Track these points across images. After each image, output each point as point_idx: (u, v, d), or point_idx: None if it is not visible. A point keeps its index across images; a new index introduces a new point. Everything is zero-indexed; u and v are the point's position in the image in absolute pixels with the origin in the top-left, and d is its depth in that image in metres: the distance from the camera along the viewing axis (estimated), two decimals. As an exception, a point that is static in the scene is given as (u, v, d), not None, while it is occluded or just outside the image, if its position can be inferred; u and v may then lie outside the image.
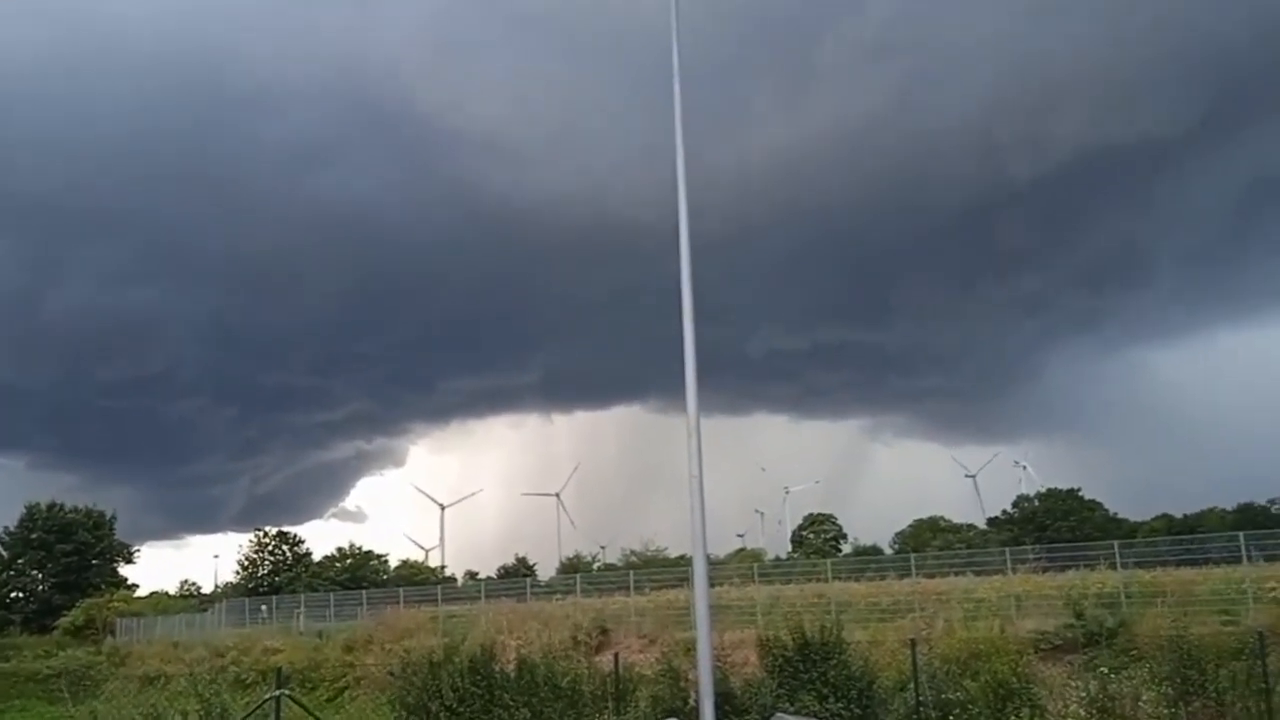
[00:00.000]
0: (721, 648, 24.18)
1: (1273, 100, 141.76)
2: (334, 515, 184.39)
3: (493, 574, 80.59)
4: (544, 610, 39.55)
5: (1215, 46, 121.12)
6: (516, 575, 70.38)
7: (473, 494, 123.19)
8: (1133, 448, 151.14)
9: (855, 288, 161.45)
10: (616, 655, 21.97)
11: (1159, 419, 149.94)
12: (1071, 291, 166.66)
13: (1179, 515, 74.19)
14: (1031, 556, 37.50)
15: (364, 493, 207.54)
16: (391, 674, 23.95)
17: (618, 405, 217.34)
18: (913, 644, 18.26)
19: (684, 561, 59.09)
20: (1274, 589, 22.97)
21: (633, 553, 64.24)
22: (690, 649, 19.94)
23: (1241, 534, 27.70)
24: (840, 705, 17.19)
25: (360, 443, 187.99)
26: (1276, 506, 73.22)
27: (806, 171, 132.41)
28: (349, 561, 78.41)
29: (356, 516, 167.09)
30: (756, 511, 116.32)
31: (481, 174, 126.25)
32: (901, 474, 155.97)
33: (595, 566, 71.54)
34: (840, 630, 18.33)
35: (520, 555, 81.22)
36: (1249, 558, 26.57)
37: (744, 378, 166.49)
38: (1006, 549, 34.98)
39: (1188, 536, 47.12)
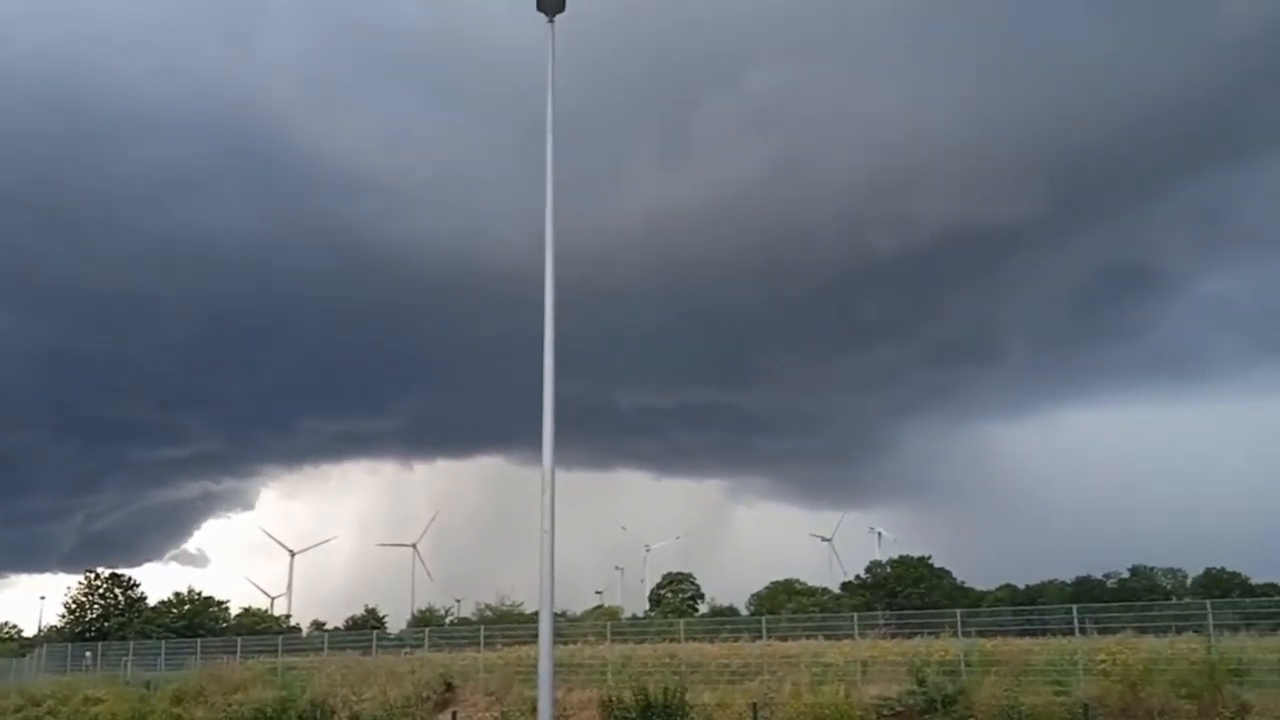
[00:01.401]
0: (566, 707, 23.67)
1: (1116, 196, 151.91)
2: (174, 558, 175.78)
3: (341, 625, 77.66)
4: (389, 664, 38.18)
5: (1068, 143, 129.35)
6: (365, 627, 67.87)
7: (325, 541, 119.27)
8: (980, 518, 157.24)
9: (723, 351, 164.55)
10: (454, 714, 21.22)
11: (1005, 492, 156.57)
12: (927, 365, 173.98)
13: (1021, 586, 77.28)
14: (881, 622, 38.19)
15: (208, 536, 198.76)
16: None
17: (481, 455, 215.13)
18: (754, 708, 18.16)
19: (537, 618, 58.12)
20: (1104, 661, 23.82)
21: (488, 607, 62.78)
22: (534, 708, 19.44)
23: (1075, 607, 28.72)
24: (680, 769, 16.96)
25: (207, 483, 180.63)
26: (1112, 580, 77.03)
27: (681, 235, 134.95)
28: (186, 608, 74.27)
29: (198, 560, 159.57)
30: (616, 568, 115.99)
31: (353, 216, 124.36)
32: (761, 535, 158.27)
33: (449, 620, 69.63)
34: (684, 692, 18.11)
35: (370, 606, 78.50)
36: (1082, 630, 27.63)
37: (610, 433, 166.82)
38: (855, 614, 35.53)
39: (1028, 607, 48.96)
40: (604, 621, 49.82)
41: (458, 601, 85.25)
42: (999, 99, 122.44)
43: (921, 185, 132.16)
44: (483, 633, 38.60)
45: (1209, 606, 25.74)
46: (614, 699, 18.71)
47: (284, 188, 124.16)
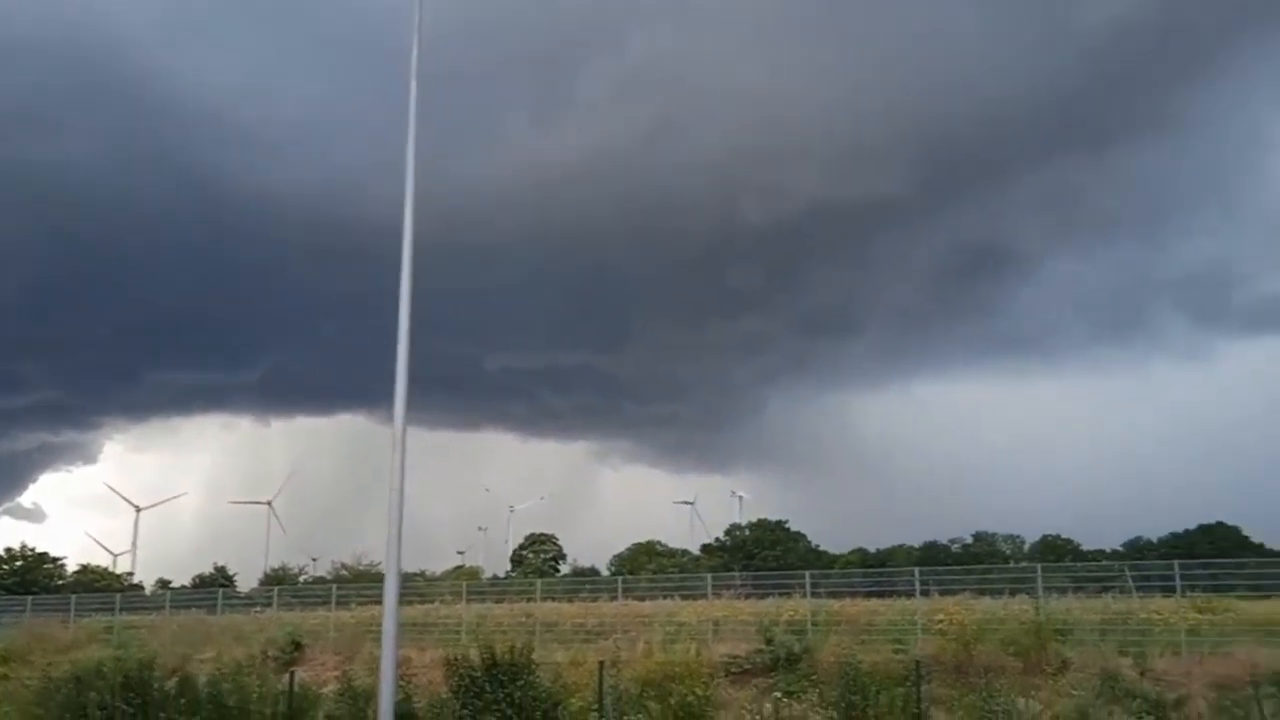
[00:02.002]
0: (411, 666, 23.34)
1: (976, 178, 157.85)
2: (6, 512, 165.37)
3: (188, 584, 75.01)
4: (235, 624, 37.05)
5: (934, 125, 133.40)
6: (213, 586, 65.68)
7: (174, 497, 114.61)
8: (837, 485, 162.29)
9: (596, 314, 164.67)
10: (292, 674, 20.66)
11: (862, 460, 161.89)
12: (793, 335, 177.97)
13: (872, 550, 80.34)
14: (738, 583, 38.97)
15: (45, 489, 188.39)
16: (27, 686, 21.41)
17: (343, 413, 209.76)
18: (600, 665, 18.24)
19: (396, 577, 57.36)
20: (941, 621, 24.78)
21: (344, 566, 61.58)
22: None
23: (917, 570, 29.86)
24: (524, 727, 16.93)
25: (45, 434, 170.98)
26: (956, 545, 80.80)
27: (557, 195, 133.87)
28: (18, 564, 70.55)
29: (34, 515, 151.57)
30: (479, 529, 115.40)
31: (215, 158, 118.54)
32: (625, 498, 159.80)
33: (303, 579, 68.09)
34: (531, 651, 18.04)
35: (220, 565, 76.01)
36: (925, 592, 28.77)
37: (477, 394, 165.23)
38: (708, 575, 36.17)
39: (877, 570, 50.76)
40: (463, 581, 49.47)
41: (313, 561, 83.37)
42: (870, 78, 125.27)
43: (794, 158, 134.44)
44: (334, 592, 37.82)
45: (1039, 571, 27.04)
46: (459, 657, 18.47)
47: (135, 125, 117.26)
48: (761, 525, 77.67)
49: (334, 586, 39.35)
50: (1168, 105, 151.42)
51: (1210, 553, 60.28)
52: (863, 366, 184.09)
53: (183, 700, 17.92)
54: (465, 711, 17.04)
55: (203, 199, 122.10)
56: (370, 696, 18.31)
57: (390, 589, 15.42)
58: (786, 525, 78.09)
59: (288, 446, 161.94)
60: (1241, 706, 18.19)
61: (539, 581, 42.23)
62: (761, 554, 72.93)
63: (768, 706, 16.65)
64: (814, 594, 31.54)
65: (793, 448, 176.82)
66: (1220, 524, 74.93)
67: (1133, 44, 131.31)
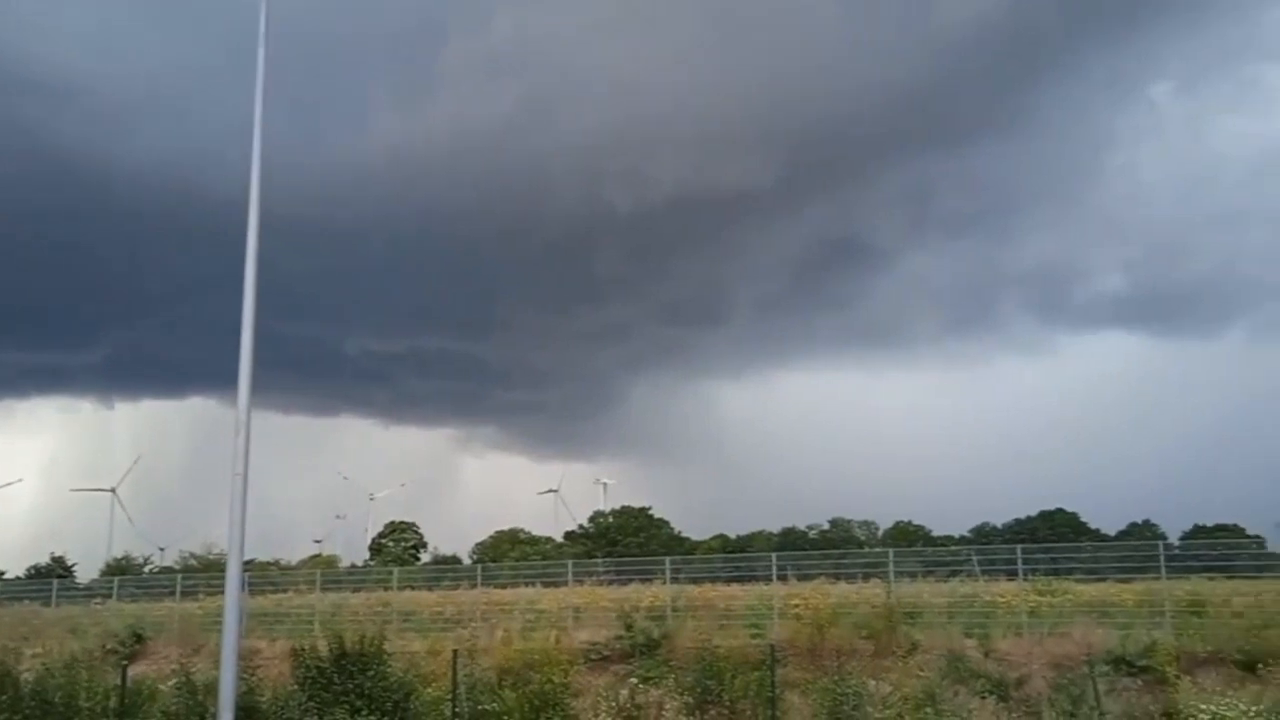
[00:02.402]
0: (260, 658, 22.36)
1: (836, 173, 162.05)
2: None
3: (22, 575, 70.49)
4: (72, 616, 35.00)
5: (797, 120, 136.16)
6: (49, 576, 61.94)
7: (8, 484, 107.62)
8: (699, 472, 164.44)
9: (461, 298, 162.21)
10: (124, 667, 19.45)
11: (724, 447, 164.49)
12: (659, 323, 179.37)
13: (733, 536, 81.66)
14: (601, 570, 38.89)
15: None
16: None
17: (194, 396, 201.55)
18: (454, 654, 17.77)
19: (248, 566, 55.17)
20: (797, 606, 25.17)
21: (193, 555, 58.99)
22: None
23: (774, 555, 30.25)
24: (374, 718, 16.32)
25: None
26: (814, 531, 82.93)
27: (421, 174, 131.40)
28: None
29: None
30: (337, 517, 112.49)
31: (56, 127, 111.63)
32: (489, 485, 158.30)
33: (148, 569, 64.83)
34: (382, 640, 17.42)
35: (57, 554, 71.72)
36: (783, 577, 29.20)
37: (337, 378, 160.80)
38: (569, 562, 35.93)
39: (738, 555, 51.50)
40: (318, 570, 47.94)
41: (161, 550, 79.65)
42: (736, 69, 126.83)
43: (660, 146, 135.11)
44: (180, 581, 36.09)
45: (890, 556, 27.71)
46: (306, 648, 17.69)
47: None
48: (625, 512, 78.05)
49: (179, 576, 37.49)
50: (1016, 105, 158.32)
51: (1050, 538, 63.58)
52: (726, 355, 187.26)
53: (3, 697, 16.60)
54: (312, 704, 16.33)
55: (45, 169, 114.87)
56: (211, 690, 17.39)
57: (232, 577, 14.71)
58: (650, 512, 78.66)
59: (134, 431, 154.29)
60: (1077, 684, 18.95)
61: (396, 570, 41.29)
62: (625, 541, 73.27)
63: (624, 693, 16.52)
64: (675, 580, 31.65)
65: (657, 435, 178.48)
66: (1060, 510, 79.15)
67: (984, 44, 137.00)
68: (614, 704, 16.28)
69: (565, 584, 33.12)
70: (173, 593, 35.66)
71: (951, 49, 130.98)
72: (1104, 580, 28.38)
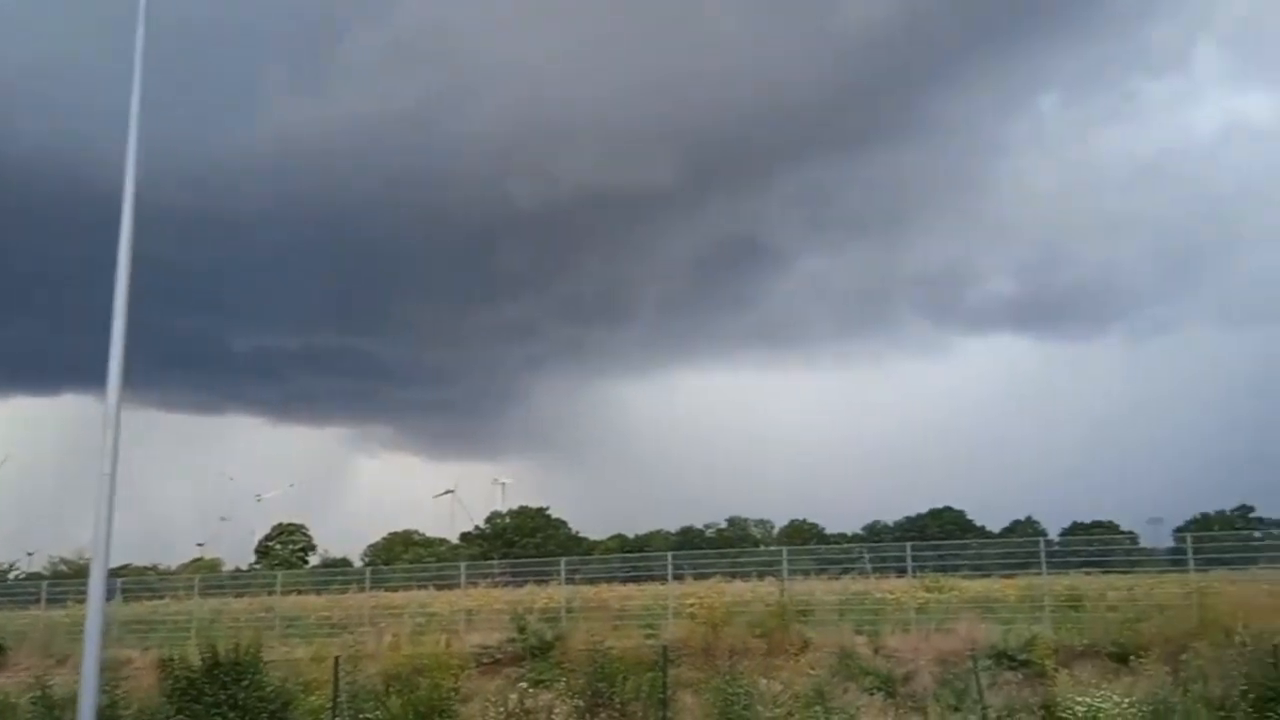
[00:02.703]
0: (130, 668, 21.29)
1: (738, 174, 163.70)
2: None
3: None
4: (-78, 627, 32.85)
5: (700, 120, 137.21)
6: (-100, 584, 58.20)
7: None
8: (600, 472, 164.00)
9: (356, 293, 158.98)
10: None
11: (625, 447, 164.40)
12: (562, 321, 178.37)
13: (632, 535, 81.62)
14: (497, 571, 38.31)
15: None
16: None
17: (70, 393, 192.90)
18: (336, 661, 17.13)
19: (124, 571, 52.79)
20: (692, 605, 25.10)
21: (63, 561, 56.14)
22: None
23: (670, 554, 30.18)
24: (249, 730, 15.62)
25: None
26: (711, 530, 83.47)
27: (319, 165, 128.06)
28: None
29: None
30: (221, 519, 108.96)
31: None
32: (383, 486, 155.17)
33: (13, 576, 61.47)
34: (258, 648, 16.67)
35: (-94, 562, 67.30)
36: (680, 577, 29.14)
37: (223, 374, 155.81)
38: (463, 563, 35.29)
39: (636, 555, 51.40)
40: (194, 575, 46.17)
41: (29, 555, 75.59)
42: (641, 67, 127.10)
43: (564, 142, 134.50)
44: (45, 588, 34.28)
45: (784, 554, 27.88)
46: (175, 658, 16.81)
47: None
48: (522, 513, 77.24)
49: (45, 583, 35.59)
50: (913, 110, 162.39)
51: (939, 535, 65.19)
52: (629, 354, 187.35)
53: None
54: (181, 716, 15.52)
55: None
56: (71, 703, 16.40)
57: (96, 582, 13.90)
58: (548, 512, 78.07)
59: (1, 430, 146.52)
60: (962, 679, 19.28)
61: (280, 573, 39.99)
62: (522, 542, 72.57)
63: (513, 697, 16.16)
64: (571, 581, 31.32)
65: (558, 435, 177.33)
66: (948, 508, 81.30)
67: (883, 49, 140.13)
68: (503, 709, 15.90)
69: (459, 586, 32.53)
70: (38, 600, 33.86)
71: (852, 53, 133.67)
72: (989, 576, 29.04)
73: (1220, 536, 42.12)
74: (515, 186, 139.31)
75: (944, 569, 30.12)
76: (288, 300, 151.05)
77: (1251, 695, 15.40)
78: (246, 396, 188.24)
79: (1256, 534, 47.99)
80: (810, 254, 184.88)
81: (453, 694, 17.42)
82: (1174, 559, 29.50)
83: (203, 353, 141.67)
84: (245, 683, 15.81)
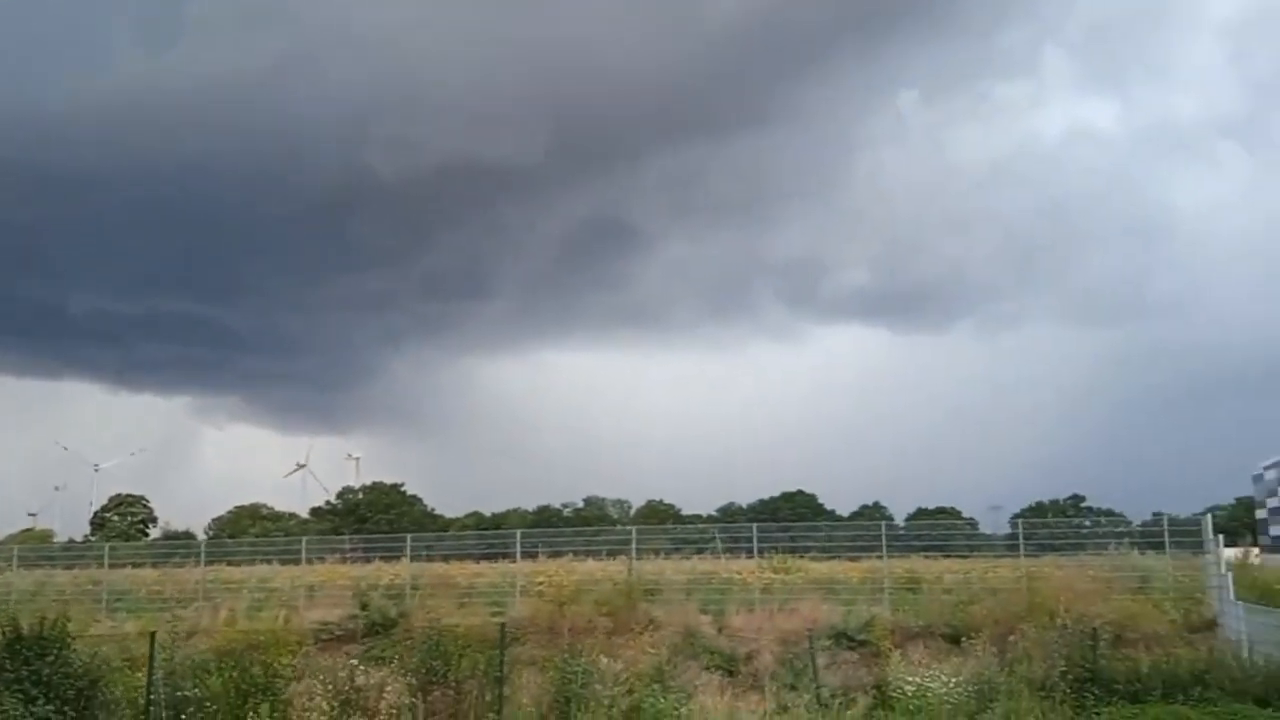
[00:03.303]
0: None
1: (607, 155, 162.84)
2: None
3: None
4: None
5: (570, 100, 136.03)
6: None
7: None
8: (458, 449, 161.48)
9: (205, 257, 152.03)
10: None
11: (485, 425, 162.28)
12: (422, 295, 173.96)
13: (488, 514, 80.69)
14: (348, 548, 37.28)
15: None
16: None
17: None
18: (152, 636, 16.10)
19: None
20: (541, 583, 24.80)
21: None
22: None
23: (519, 533, 29.79)
24: (52, 708, 14.49)
25: None
26: (568, 510, 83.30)
27: (168, 124, 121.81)
28: None
29: None
30: (56, 488, 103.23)
31: None
32: (232, 458, 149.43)
33: None
34: (66, 622, 15.52)
35: None
36: (531, 555, 28.81)
37: (58, 338, 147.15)
38: (304, 539, 34.14)
39: (491, 533, 50.80)
40: (15, 545, 43.43)
41: None
42: (511, 41, 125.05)
43: (428, 112, 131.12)
44: None
45: (633, 534, 27.82)
46: (-27, 632, 15.49)
47: None
48: (376, 489, 75.29)
49: None
50: (781, 100, 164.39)
51: (790, 518, 66.57)
52: (492, 331, 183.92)
53: None
54: (-24, 695, 14.29)
55: None
56: None
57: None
58: (402, 488, 76.36)
59: None
60: (801, 658, 19.48)
61: (111, 546, 37.91)
62: (374, 518, 70.70)
63: (341, 674, 15.49)
64: (422, 558, 30.70)
65: (416, 411, 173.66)
66: (800, 492, 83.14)
67: (754, 38, 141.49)
68: (331, 687, 15.22)
69: (307, 562, 31.42)
70: None
71: (722, 39, 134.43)
72: (837, 559, 29.65)
73: (1053, 524, 44.09)
74: (375, 155, 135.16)
75: (795, 550, 30.63)
76: (131, 262, 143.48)
77: (1070, 676, 15.97)
78: (85, 361, 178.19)
79: (1086, 523, 50.44)
80: (676, 238, 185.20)
81: (282, 672, 16.57)
82: (1010, 545, 30.59)
83: (37, 315, 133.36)
84: (50, 658, 14.67)
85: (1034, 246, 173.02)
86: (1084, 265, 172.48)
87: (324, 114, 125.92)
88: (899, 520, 68.81)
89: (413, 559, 30.78)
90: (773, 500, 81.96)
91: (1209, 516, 23.27)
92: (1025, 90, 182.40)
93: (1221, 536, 22.86)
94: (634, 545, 26.33)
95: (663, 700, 15.93)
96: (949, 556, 29.95)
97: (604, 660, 17.58)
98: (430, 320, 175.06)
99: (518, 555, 26.83)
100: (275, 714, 14.95)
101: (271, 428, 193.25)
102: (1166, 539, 23.78)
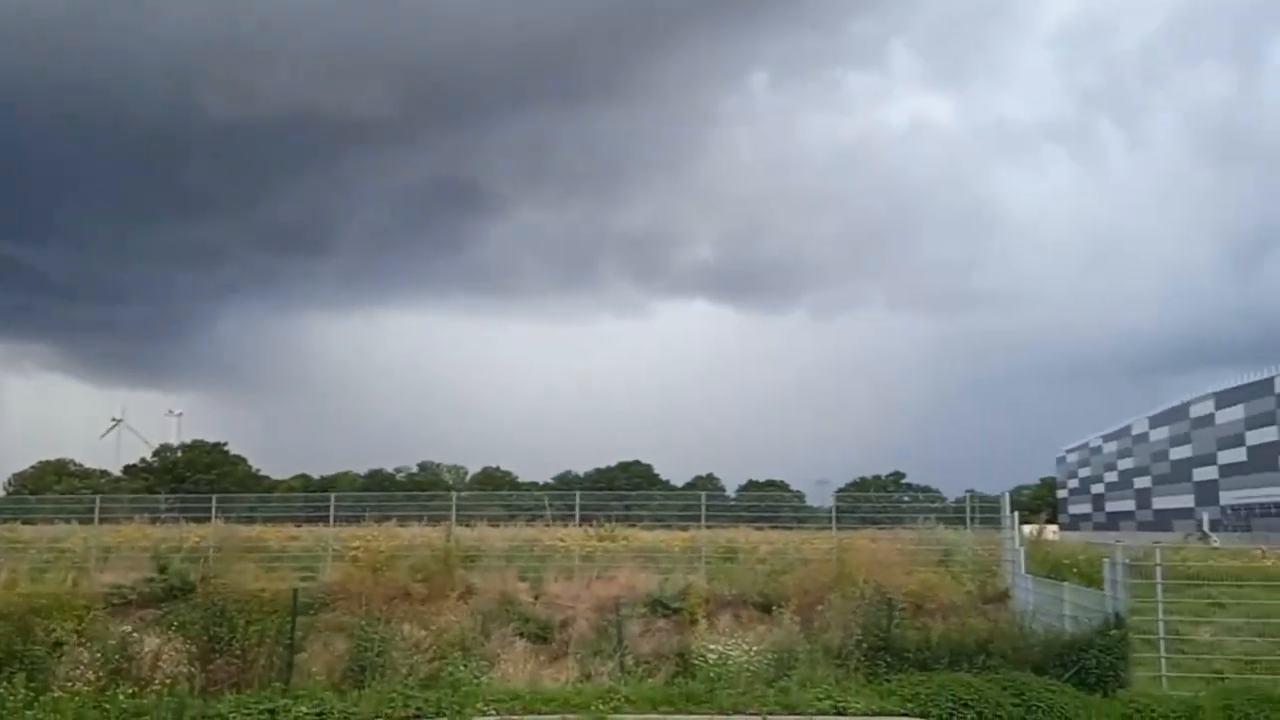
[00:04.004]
0: None
1: (459, 115, 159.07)
2: None
3: None
4: None
5: (422, 56, 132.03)
6: None
7: None
8: (289, 409, 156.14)
9: (13, 198, 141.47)
10: None
11: (318, 384, 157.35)
12: (255, 248, 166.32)
13: (318, 476, 77.85)
14: (163, 508, 35.30)
15: None
16: None
17: None
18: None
19: None
20: (356, 548, 23.82)
21: None
22: None
23: (334, 495, 28.63)
24: None
25: None
26: (402, 474, 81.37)
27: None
28: None
29: None
30: None
31: None
32: (39, 410, 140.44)
33: None
34: None
35: None
36: (357, 519, 27.71)
37: None
38: (98, 497, 31.90)
39: (318, 495, 49.05)
40: None
41: None
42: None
43: (270, 57, 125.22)
44: None
45: (453, 499, 27.16)
46: None
47: None
48: (197, 447, 71.28)
49: None
50: (638, 72, 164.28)
51: (626, 487, 66.90)
52: (330, 289, 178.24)
53: None
54: None
55: None
56: None
57: None
58: (225, 448, 72.43)
59: None
60: (614, 626, 19.28)
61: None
62: (194, 477, 66.95)
63: (111, 643, 14.35)
64: (238, 520, 29.22)
65: (244, 367, 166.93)
66: (637, 462, 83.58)
67: (611, 9, 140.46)
68: (99, 655, 14.07)
69: (97, 521, 29.38)
70: None
71: (583, 6, 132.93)
72: (668, 527, 29.72)
73: (874, 498, 45.63)
74: (211, 98, 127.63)
75: (628, 519, 30.59)
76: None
77: (865, 644, 16.24)
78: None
79: (905, 498, 52.55)
80: (526, 204, 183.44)
81: (64, 638, 15.31)
82: (835, 518, 31.35)
83: None
84: None
85: (871, 234, 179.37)
86: (916, 254, 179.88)
87: (155, 54, 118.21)
88: (730, 491, 70.02)
89: (228, 521, 29.28)
90: (609, 470, 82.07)
91: (1006, 494, 24.20)
92: (872, 82, 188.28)
93: (1018, 513, 23.82)
94: (454, 510, 25.60)
95: (463, 669, 15.40)
96: (776, 528, 30.43)
97: (407, 627, 16.97)
98: (265, 274, 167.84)
99: (332, 519, 25.71)
100: (33, 684, 13.70)
101: (86, 379, 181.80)
102: (968, 515, 24.66)
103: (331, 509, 25.30)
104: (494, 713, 14.15)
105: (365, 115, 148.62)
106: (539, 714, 14.30)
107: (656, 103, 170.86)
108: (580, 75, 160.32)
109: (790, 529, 30.28)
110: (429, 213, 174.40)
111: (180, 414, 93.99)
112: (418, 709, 14.01)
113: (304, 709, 13.69)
